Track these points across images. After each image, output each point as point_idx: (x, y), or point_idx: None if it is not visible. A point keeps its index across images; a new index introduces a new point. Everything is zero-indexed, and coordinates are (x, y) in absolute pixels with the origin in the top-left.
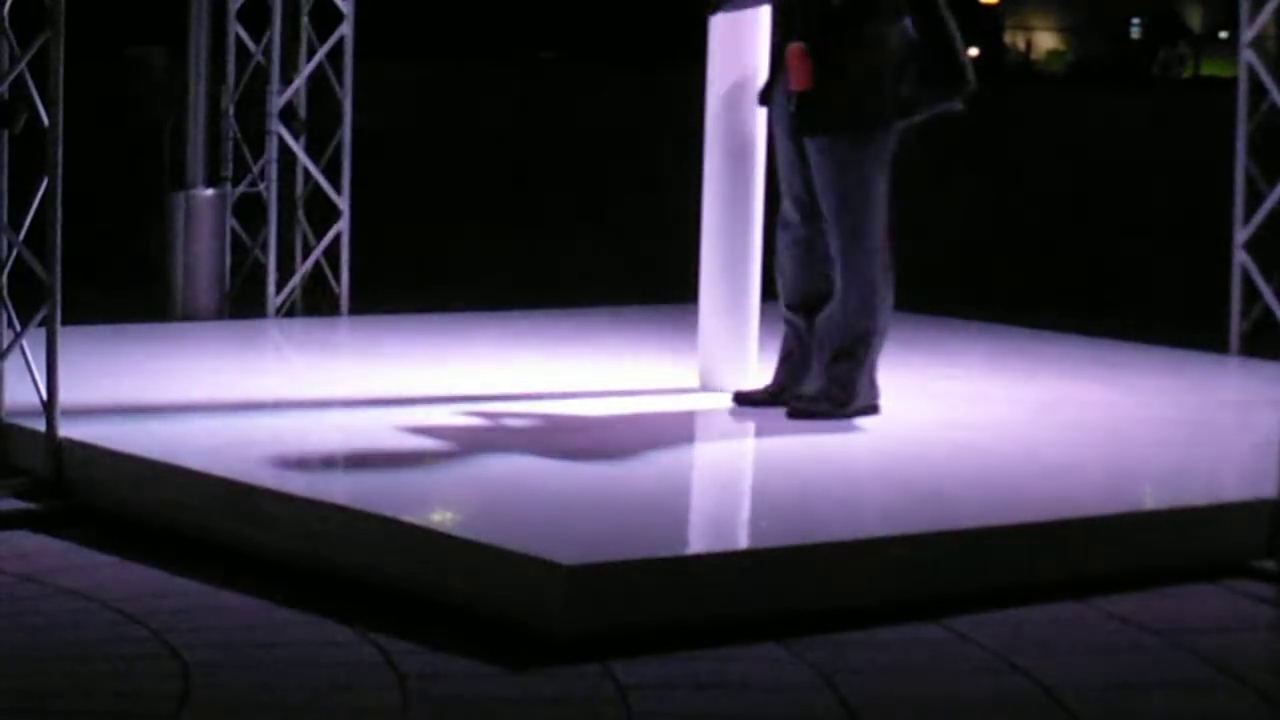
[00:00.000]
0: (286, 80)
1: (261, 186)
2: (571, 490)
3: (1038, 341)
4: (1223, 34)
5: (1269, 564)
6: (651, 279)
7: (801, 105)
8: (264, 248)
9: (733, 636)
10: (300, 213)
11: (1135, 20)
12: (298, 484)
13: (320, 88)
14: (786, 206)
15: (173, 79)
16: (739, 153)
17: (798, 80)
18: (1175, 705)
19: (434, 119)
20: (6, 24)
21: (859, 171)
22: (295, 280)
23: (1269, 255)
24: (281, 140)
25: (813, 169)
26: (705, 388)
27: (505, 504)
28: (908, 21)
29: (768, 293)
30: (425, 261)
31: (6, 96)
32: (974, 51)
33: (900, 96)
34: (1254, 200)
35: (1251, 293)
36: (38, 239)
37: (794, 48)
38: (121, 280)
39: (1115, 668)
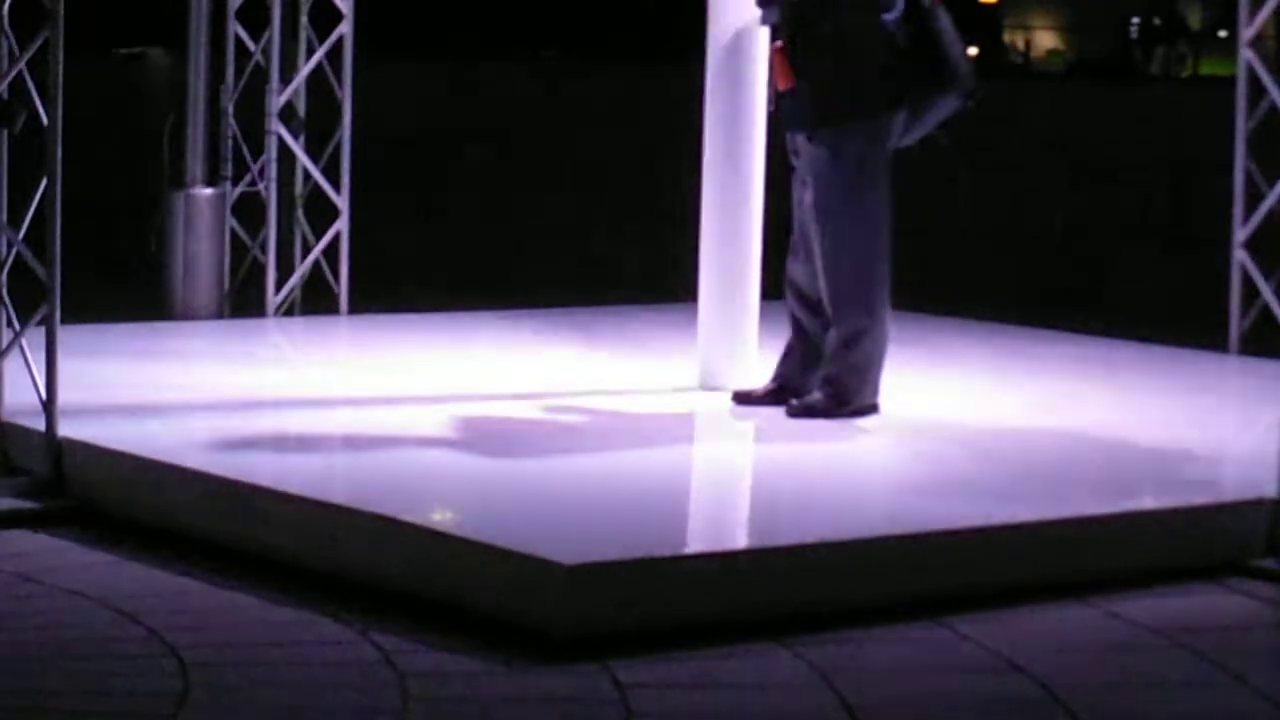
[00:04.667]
0: (286, 80)
1: (261, 186)
2: (571, 490)
3: (1038, 341)
4: (1222, 33)
5: (1269, 564)
6: (651, 279)
7: (783, 104)
8: (263, 247)
9: (733, 636)
10: (299, 212)
11: (1135, 19)
12: (298, 484)
13: (319, 87)
14: (796, 203)
15: (172, 79)
16: (738, 153)
17: (778, 79)
18: (1175, 705)
19: (434, 119)
20: (6, 23)
21: (841, 170)
22: (294, 279)
23: (1268, 254)
24: (281, 140)
25: (800, 168)
26: (705, 388)
27: (505, 504)
28: (889, 18)
29: (768, 292)
30: (425, 261)
31: (6, 96)
32: (972, 51)
33: (891, 95)
34: (1253, 200)
35: (1251, 292)
36: (37, 238)
37: (773, 47)
38: (121, 280)
39: (1115, 668)
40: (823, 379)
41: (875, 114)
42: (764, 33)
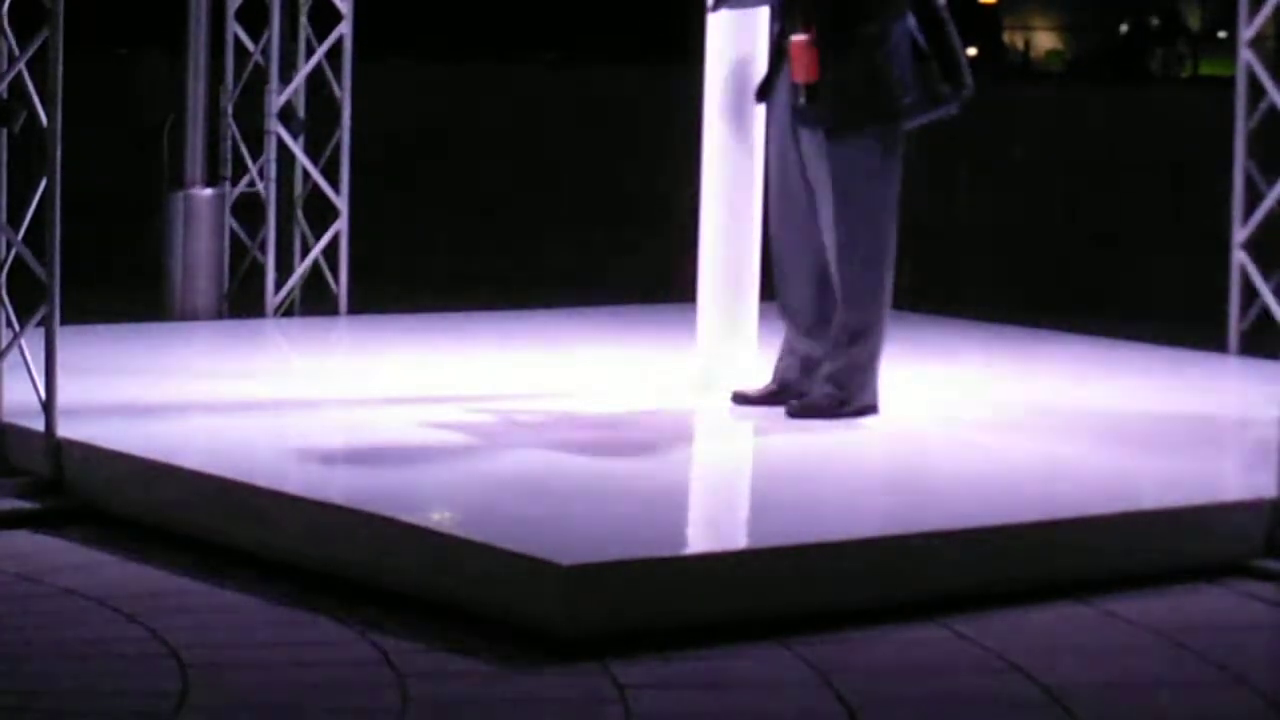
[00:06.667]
0: (285, 80)
1: (260, 186)
2: (571, 490)
3: (1037, 341)
4: (1221, 33)
5: (1269, 564)
6: (651, 278)
7: (805, 98)
8: (262, 247)
9: (733, 636)
10: (299, 212)
11: (1133, 20)
12: (297, 484)
13: (319, 87)
14: (781, 203)
15: (170, 79)
16: (738, 151)
17: (802, 73)
18: (1175, 705)
19: (434, 119)
20: (6, 23)
21: (859, 169)
22: (294, 280)
23: (1268, 255)
24: (280, 140)
25: (808, 165)
26: (705, 388)
27: (505, 504)
28: (911, 21)
29: (767, 293)
30: (424, 261)
31: (5, 96)
32: (972, 51)
33: (912, 99)
34: (1253, 200)
35: (1250, 292)
36: (36, 238)
37: (798, 39)
38: (120, 280)
39: (1115, 668)
40: (824, 377)
41: (895, 118)
42: (763, 29)
